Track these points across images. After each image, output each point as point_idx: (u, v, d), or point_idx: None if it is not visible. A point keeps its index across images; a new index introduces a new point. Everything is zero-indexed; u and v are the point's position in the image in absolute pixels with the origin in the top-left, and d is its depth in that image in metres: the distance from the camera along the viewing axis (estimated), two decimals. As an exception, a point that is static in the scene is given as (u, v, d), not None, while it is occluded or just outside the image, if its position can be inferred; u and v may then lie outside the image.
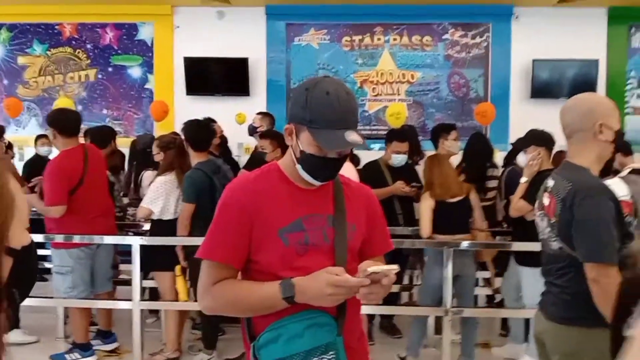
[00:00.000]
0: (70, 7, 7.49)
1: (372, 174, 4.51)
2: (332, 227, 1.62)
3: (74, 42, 7.86)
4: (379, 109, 7.66)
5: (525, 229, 3.91)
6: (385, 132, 5.46)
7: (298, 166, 1.60)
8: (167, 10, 7.60)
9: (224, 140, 5.23)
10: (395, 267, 1.51)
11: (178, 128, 5.21)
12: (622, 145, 5.32)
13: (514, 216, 3.95)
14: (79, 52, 7.87)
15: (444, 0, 7.15)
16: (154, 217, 4.11)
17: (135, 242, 3.84)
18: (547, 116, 6.35)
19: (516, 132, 7.09)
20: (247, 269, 1.64)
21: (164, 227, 4.09)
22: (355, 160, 3.98)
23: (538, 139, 3.98)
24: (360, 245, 1.69)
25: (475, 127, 7.12)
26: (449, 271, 3.88)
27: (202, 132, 4.11)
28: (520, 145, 4.18)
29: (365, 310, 3.88)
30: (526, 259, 3.94)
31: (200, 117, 5.19)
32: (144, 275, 4.48)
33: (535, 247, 3.67)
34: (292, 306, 1.53)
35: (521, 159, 4.06)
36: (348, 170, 3.59)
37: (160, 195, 4.06)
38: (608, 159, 2.12)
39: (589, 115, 2.00)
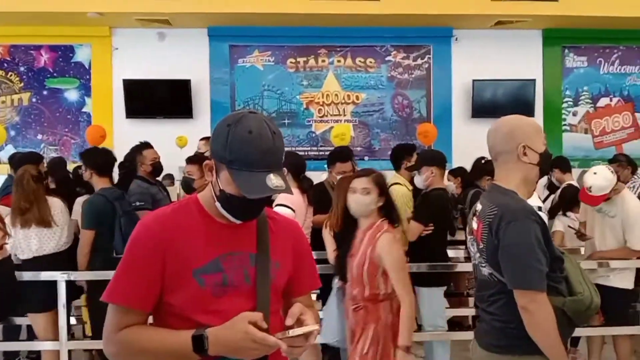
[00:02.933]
0: (1, 28, 7.17)
1: (319, 197, 4.42)
2: (254, 267, 1.51)
3: (5, 65, 7.53)
4: (326, 129, 7.64)
5: (418, 249, 3.95)
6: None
7: (217, 204, 1.49)
8: (106, 31, 7.39)
9: (157, 166, 4.97)
10: (315, 328, 1.42)
11: (117, 152, 4.98)
12: (559, 162, 5.43)
13: (412, 240, 3.92)
14: (11, 75, 7.54)
15: (386, 22, 7.24)
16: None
17: (59, 278, 3.59)
18: (487, 135, 6.56)
19: (459, 150, 7.22)
20: (159, 310, 1.50)
21: (34, 262, 3.73)
22: (306, 183, 3.84)
23: (427, 159, 4.08)
24: (285, 284, 1.59)
25: (419, 147, 7.16)
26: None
27: (101, 157, 3.93)
28: (413, 168, 4.23)
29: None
30: (419, 278, 3.82)
31: (141, 140, 5.00)
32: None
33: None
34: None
35: (417, 180, 4.12)
36: (289, 196, 3.46)
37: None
38: (536, 181, 2.10)
39: (511, 137, 1.97)
